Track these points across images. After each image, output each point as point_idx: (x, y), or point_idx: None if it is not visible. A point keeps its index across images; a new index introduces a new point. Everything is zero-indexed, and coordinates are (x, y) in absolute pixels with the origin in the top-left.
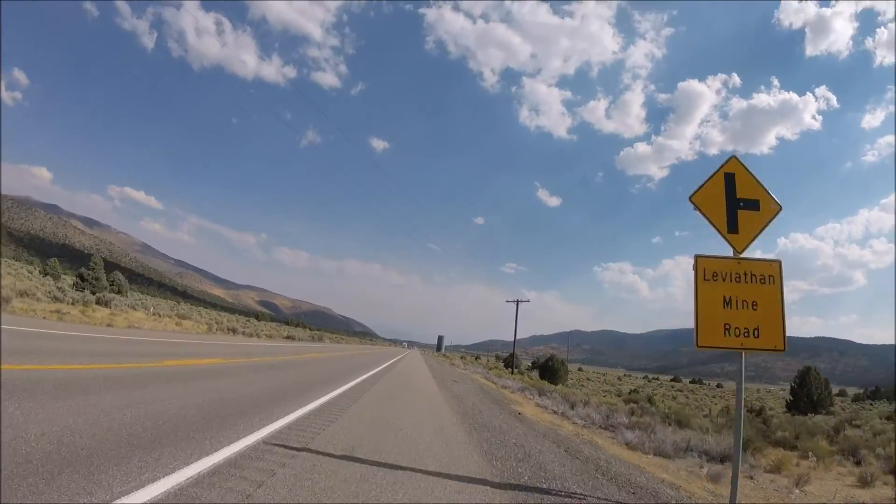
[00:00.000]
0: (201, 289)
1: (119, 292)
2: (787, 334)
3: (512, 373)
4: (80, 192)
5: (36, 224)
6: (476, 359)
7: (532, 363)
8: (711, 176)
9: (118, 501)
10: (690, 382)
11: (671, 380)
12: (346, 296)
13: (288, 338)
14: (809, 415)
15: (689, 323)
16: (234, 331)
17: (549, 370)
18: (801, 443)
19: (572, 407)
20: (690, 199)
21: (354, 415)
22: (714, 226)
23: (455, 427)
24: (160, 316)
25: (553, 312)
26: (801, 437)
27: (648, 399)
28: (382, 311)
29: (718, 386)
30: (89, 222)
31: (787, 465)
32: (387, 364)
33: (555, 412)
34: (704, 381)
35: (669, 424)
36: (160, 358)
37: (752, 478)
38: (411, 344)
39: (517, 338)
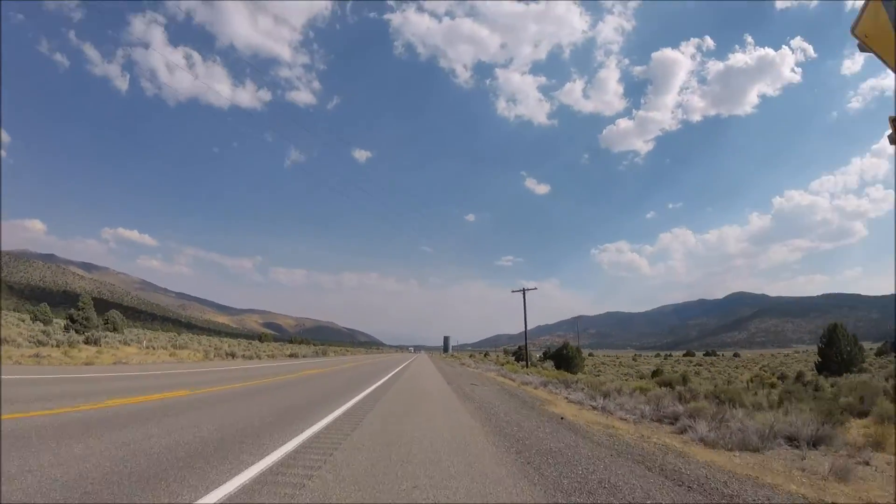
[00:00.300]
0: (205, 318)
1: (115, 329)
2: (793, 295)
3: (526, 366)
4: (74, 239)
5: (35, 275)
6: (485, 356)
7: (543, 353)
8: None
9: None
10: (704, 355)
11: (684, 354)
12: (347, 308)
13: (291, 356)
14: (844, 375)
15: (694, 296)
16: (232, 355)
17: (564, 359)
18: (876, 407)
19: (606, 397)
20: (853, 31)
21: (355, 445)
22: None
23: (492, 455)
24: (154, 349)
25: (555, 300)
26: (867, 400)
27: (683, 378)
28: (385, 318)
29: (735, 355)
30: (87, 266)
31: (887, 439)
32: (393, 372)
33: (593, 408)
34: (718, 353)
35: (727, 407)
36: (108, 397)
37: (867, 463)
38: (417, 348)
39: (520, 332)
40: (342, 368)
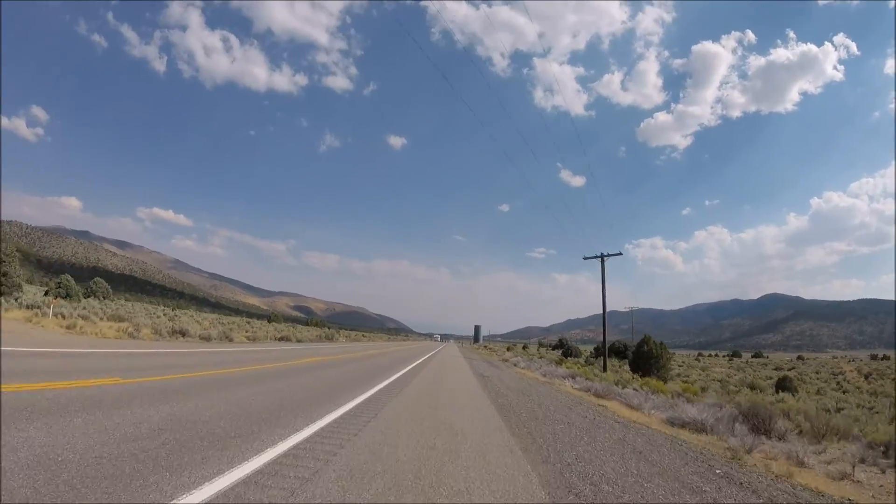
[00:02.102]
0: (236, 299)
1: (105, 298)
2: (829, 299)
3: (605, 370)
4: (110, 217)
5: (68, 251)
6: (524, 348)
7: (595, 349)
8: None
9: None
10: (753, 357)
11: (730, 355)
12: (378, 295)
13: (282, 339)
14: None
15: (728, 295)
16: (183, 333)
17: (643, 357)
18: None
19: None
20: None
21: None
22: None
23: None
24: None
25: (587, 295)
26: None
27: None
28: (414, 306)
29: (800, 358)
30: (121, 244)
31: None
32: (404, 371)
33: None
34: (764, 354)
35: None
36: None
37: None
38: (445, 337)
39: (552, 324)
40: (334, 360)
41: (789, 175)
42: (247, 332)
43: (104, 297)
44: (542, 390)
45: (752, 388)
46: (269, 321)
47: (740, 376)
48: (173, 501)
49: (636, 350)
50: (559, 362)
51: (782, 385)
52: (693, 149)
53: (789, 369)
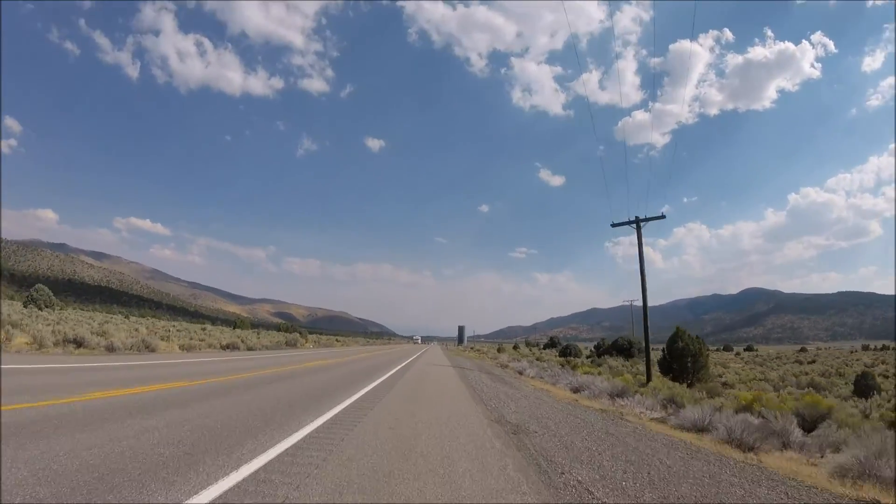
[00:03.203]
0: (216, 307)
1: (48, 307)
2: (808, 292)
3: (649, 378)
4: (87, 229)
5: (43, 264)
6: (515, 348)
7: (596, 346)
8: None
9: None
10: (745, 350)
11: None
12: (361, 299)
13: (228, 347)
14: None
15: (708, 290)
16: (78, 343)
17: (678, 356)
18: None
19: None
20: None
21: None
22: None
23: None
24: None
25: (568, 293)
26: None
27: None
28: (398, 310)
29: (803, 350)
30: (98, 255)
31: None
32: (354, 399)
33: None
34: (754, 348)
35: None
36: None
37: None
38: (428, 339)
39: (534, 323)
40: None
41: (767, 171)
42: (190, 338)
43: (46, 306)
44: (666, 457)
45: (815, 388)
46: (235, 328)
47: (778, 374)
48: None
49: (668, 347)
50: (574, 367)
51: (863, 384)
52: (671, 147)
53: (810, 362)
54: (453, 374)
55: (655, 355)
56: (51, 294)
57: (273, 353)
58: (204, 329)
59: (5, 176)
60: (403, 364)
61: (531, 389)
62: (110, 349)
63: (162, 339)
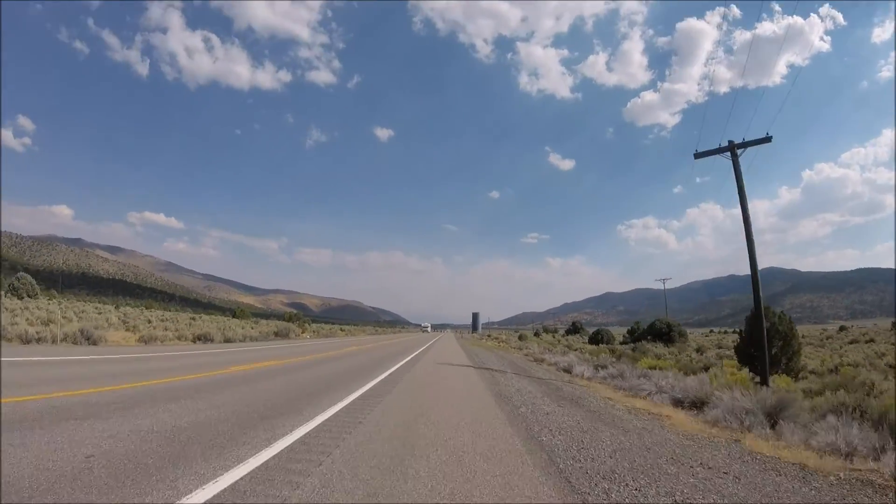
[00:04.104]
0: (230, 298)
1: (30, 296)
2: (825, 269)
3: (763, 378)
4: (101, 224)
5: (58, 259)
6: (536, 335)
7: (629, 331)
8: None
9: None
10: None
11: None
12: (373, 288)
13: (199, 339)
14: None
15: (724, 271)
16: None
17: (763, 340)
18: None
19: None
20: None
21: None
22: None
23: None
24: None
25: (581, 277)
26: None
27: None
28: (410, 297)
29: (842, 329)
30: (113, 250)
31: None
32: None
33: None
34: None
35: None
36: None
37: None
38: (441, 327)
39: (547, 309)
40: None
41: (780, 148)
42: (155, 328)
43: (28, 296)
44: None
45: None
46: (234, 316)
47: (859, 356)
48: None
49: (750, 331)
50: (633, 360)
51: None
52: (681, 126)
53: (869, 341)
54: (478, 382)
55: (695, 339)
56: (34, 283)
57: (250, 346)
58: (193, 319)
59: (20, 173)
60: (414, 355)
61: (620, 410)
62: (27, 341)
63: (127, 330)
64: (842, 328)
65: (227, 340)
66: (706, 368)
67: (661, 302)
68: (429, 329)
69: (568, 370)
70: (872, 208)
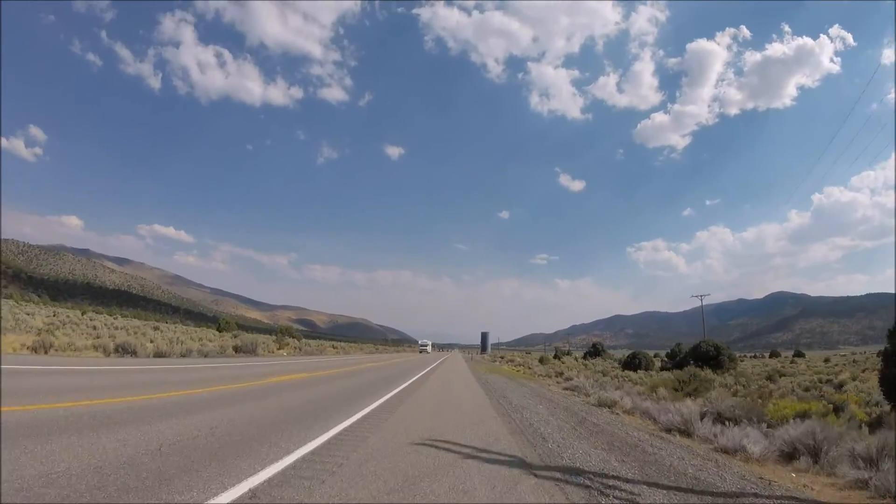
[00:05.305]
0: (237, 313)
1: None
2: (836, 295)
3: None
4: (111, 235)
5: (65, 268)
6: (556, 357)
7: (670, 351)
8: None
9: None
10: (795, 357)
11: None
12: (381, 305)
13: (118, 350)
14: None
15: (734, 295)
16: None
17: None
18: None
19: None
20: None
21: None
22: None
23: None
24: None
25: (590, 300)
26: None
27: None
28: (418, 316)
29: (883, 354)
30: (121, 261)
31: None
32: None
33: None
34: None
35: None
36: None
37: None
38: (448, 347)
39: (556, 331)
40: None
41: (790, 171)
42: (68, 332)
43: None
44: None
45: None
46: (220, 330)
47: None
48: None
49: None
50: (756, 399)
51: None
52: (692, 148)
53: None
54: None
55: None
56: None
57: (174, 364)
58: (156, 329)
59: (31, 183)
60: (420, 375)
61: None
62: None
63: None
64: (882, 355)
65: (160, 355)
66: (836, 409)
67: (669, 324)
68: (429, 349)
69: (712, 442)
70: (883, 232)
